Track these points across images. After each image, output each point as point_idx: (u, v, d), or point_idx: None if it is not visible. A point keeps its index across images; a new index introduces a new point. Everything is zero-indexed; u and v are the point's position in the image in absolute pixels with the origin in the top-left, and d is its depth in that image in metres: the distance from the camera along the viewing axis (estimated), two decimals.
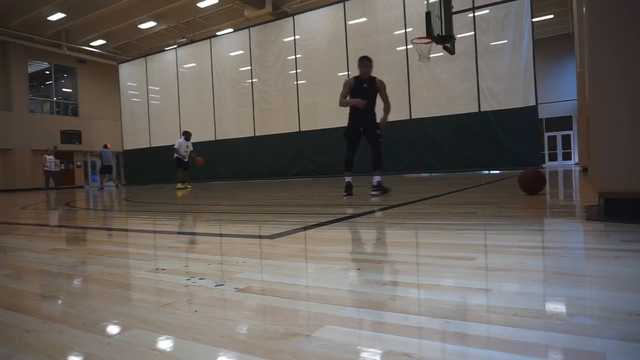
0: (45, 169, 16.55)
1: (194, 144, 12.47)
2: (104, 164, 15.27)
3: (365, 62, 5.03)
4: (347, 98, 5.11)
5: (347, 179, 5.29)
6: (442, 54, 10.96)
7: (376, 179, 5.03)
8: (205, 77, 18.08)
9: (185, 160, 11.98)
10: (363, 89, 5.01)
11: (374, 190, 4.97)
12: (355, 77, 5.11)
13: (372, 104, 5.06)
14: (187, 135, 12.10)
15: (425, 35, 8.40)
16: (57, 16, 19.32)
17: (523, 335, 0.82)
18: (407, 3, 13.31)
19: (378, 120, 5.09)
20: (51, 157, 16.75)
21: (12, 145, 21.30)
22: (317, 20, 15.35)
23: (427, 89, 13.23)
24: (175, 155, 11.92)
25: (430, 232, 2.18)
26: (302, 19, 15.73)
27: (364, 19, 14.36)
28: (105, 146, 16.16)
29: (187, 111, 18.62)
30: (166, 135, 19.16)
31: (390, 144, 13.96)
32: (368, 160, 5.24)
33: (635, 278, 1.18)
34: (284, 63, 16.08)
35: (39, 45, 21.67)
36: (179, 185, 11.96)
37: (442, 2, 8.22)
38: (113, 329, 0.96)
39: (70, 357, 0.83)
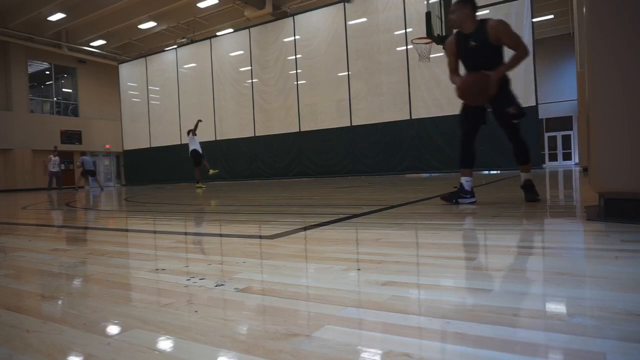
0: (50, 169, 16.84)
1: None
2: (85, 168, 16.14)
3: (454, 6, 3.34)
4: (455, 71, 3.45)
5: (466, 179, 3.43)
6: (442, 54, 10.97)
7: (523, 176, 3.47)
8: (206, 77, 18.08)
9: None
10: (469, 49, 3.33)
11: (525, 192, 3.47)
12: (457, 32, 3.44)
13: (488, 67, 3.24)
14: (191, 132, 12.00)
15: (425, 35, 8.41)
16: (57, 16, 19.33)
17: (523, 335, 0.82)
18: (407, 3, 13.31)
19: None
20: (56, 158, 16.99)
21: (12, 145, 21.30)
22: (317, 20, 15.35)
23: (427, 89, 13.22)
24: (195, 148, 11.71)
25: (430, 232, 2.18)
26: (302, 19, 15.74)
27: (364, 19, 14.36)
28: (83, 154, 17.27)
29: (187, 111, 18.62)
30: (166, 136, 19.18)
31: (390, 144, 14.02)
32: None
33: (635, 278, 1.18)
34: (284, 63, 16.09)
35: (39, 45, 21.67)
36: (201, 184, 11.83)
37: (442, 2, 8.22)
38: (113, 329, 0.96)
39: (70, 357, 0.83)
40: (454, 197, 3.43)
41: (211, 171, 11.99)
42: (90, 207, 6.06)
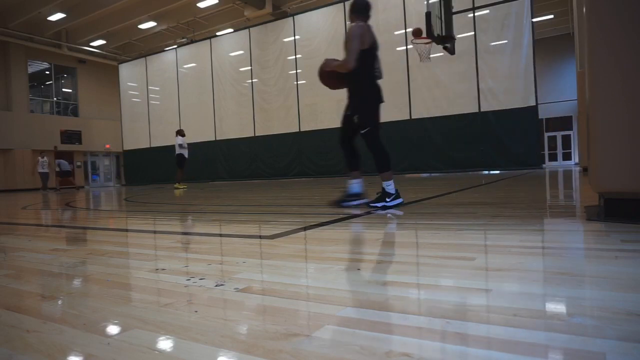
0: (39, 170, 17.23)
1: (194, 144, 12.60)
2: (62, 169, 17.40)
3: None
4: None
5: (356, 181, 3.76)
6: (442, 54, 10.97)
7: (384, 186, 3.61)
8: (206, 77, 18.08)
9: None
10: None
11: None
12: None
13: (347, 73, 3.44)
14: (182, 132, 12.44)
15: (425, 35, 8.40)
16: (57, 16, 19.34)
17: (523, 335, 0.82)
18: (407, 3, 13.31)
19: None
20: (44, 159, 17.28)
21: (12, 145, 21.30)
22: (317, 20, 15.35)
23: (427, 89, 13.23)
24: (180, 152, 12.04)
25: (430, 232, 2.18)
26: (302, 19, 15.73)
27: None
28: (61, 157, 18.96)
29: (187, 111, 18.62)
30: (166, 136, 19.15)
31: (390, 144, 14.00)
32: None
33: (635, 278, 1.18)
34: (284, 63, 16.08)
35: (39, 45, 21.68)
36: (180, 185, 12.02)
37: (442, 2, 8.22)
38: (113, 329, 0.96)
39: (70, 357, 0.83)
40: (380, 201, 3.50)
41: (177, 185, 12.24)
42: (90, 207, 6.05)
